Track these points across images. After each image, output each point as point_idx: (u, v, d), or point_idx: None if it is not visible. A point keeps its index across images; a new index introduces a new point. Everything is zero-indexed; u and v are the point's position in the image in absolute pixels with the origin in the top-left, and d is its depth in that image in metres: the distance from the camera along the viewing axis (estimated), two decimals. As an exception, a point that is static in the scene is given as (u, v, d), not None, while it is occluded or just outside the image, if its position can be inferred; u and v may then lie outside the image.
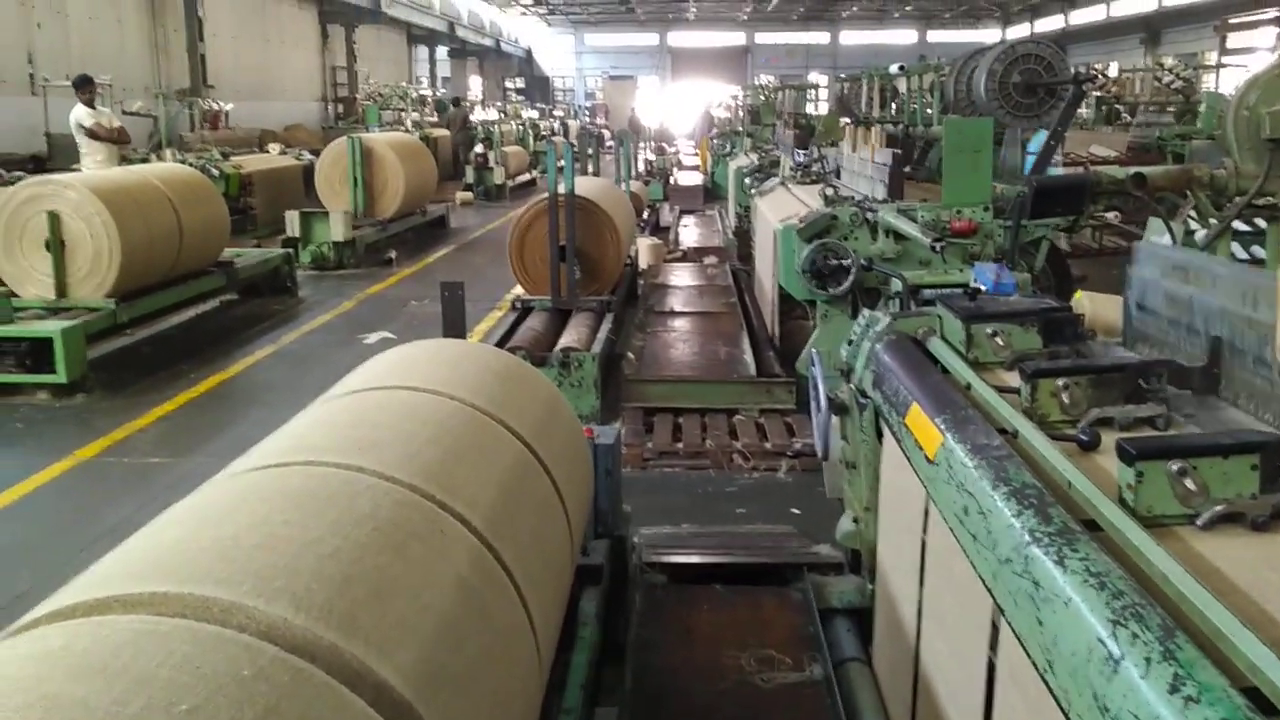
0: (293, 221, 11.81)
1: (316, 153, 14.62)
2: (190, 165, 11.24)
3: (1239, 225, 6.02)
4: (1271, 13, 27.64)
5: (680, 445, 5.88)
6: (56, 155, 13.57)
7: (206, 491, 1.78)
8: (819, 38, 52.03)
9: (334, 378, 2.55)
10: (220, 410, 6.84)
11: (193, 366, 7.72)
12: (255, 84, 22.54)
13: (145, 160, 12.27)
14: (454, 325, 5.24)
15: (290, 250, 10.91)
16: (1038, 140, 7.83)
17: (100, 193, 7.46)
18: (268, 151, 16.04)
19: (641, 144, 23.43)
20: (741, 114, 21.31)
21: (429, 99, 28.11)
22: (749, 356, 7.00)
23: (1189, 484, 1.59)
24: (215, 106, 18.19)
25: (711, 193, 18.82)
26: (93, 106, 10.92)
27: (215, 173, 12.31)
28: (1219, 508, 1.58)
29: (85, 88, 10.89)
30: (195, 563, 1.41)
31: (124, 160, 11.29)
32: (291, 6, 24.82)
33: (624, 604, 3.20)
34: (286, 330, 8.99)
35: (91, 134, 10.67)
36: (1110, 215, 9.57)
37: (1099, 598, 1.35)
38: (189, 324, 9.21)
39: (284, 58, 24.46)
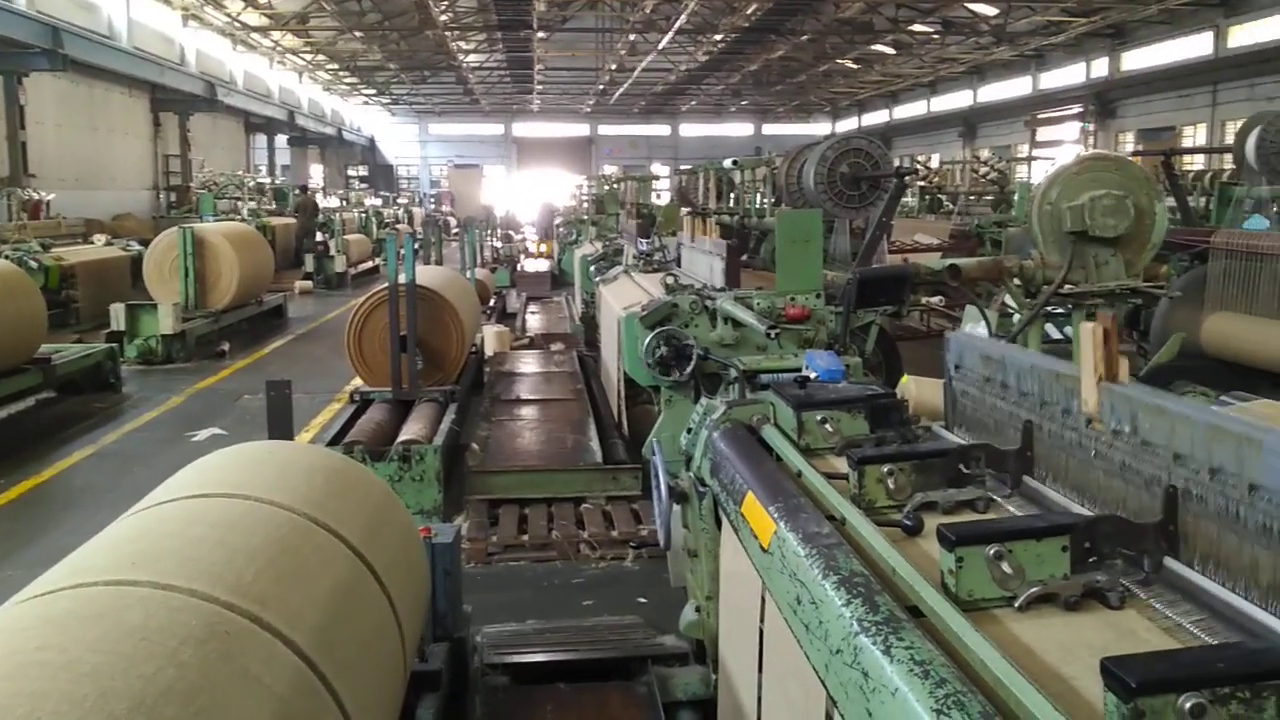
0: (118, 315, 11.28)
1: (147, 243, 14.05)
2: (5, 257, 10.63)
3: (1052, 308, 6.39)
4: (1075, 109, 30.16)
5: (526, 538, 5.77)
6: None
7: None
8: (660, 130, 53.62)
9: (157, 478, 2.42)
10: (33, 517, 6.37)
11: (3, 470, 7.19)
12: (81, 173, 21.58)
13: (-46, 252, 11.53)
14: (280, 426, 4.96)
15: (114, 345, 10.39)
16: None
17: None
18: (93, 242, 15.34)
19: (489, 231, 23.46)
20: (586, 203, 21.64)
21: (267, 187, 27.47)
22: (595, 443, 6.96)
23: (1006, 567, 1.64)
24: (35, 196, 17.30)
25: (559, 279, 18.94)
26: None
27: (33, 265, 11.67)
28: (1034, 589, 1.63)
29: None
30: None
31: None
32: (121, 94, 23.97)
33: (464, 710, 3.08)
34: (108, 429, 8.49)
35: None
36: (935, 300, 10.06)
37: (923, 687, 1.36)
38: (0, 425, 8.60)
39: (113, 146, 23.53)
